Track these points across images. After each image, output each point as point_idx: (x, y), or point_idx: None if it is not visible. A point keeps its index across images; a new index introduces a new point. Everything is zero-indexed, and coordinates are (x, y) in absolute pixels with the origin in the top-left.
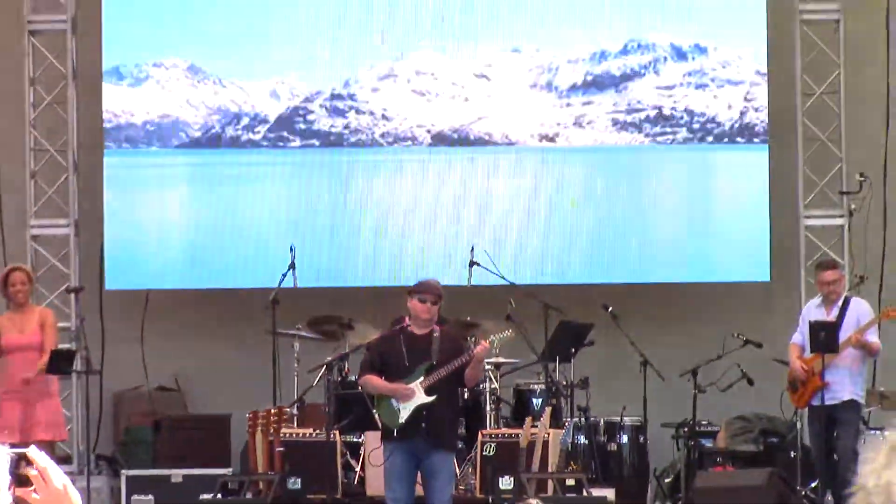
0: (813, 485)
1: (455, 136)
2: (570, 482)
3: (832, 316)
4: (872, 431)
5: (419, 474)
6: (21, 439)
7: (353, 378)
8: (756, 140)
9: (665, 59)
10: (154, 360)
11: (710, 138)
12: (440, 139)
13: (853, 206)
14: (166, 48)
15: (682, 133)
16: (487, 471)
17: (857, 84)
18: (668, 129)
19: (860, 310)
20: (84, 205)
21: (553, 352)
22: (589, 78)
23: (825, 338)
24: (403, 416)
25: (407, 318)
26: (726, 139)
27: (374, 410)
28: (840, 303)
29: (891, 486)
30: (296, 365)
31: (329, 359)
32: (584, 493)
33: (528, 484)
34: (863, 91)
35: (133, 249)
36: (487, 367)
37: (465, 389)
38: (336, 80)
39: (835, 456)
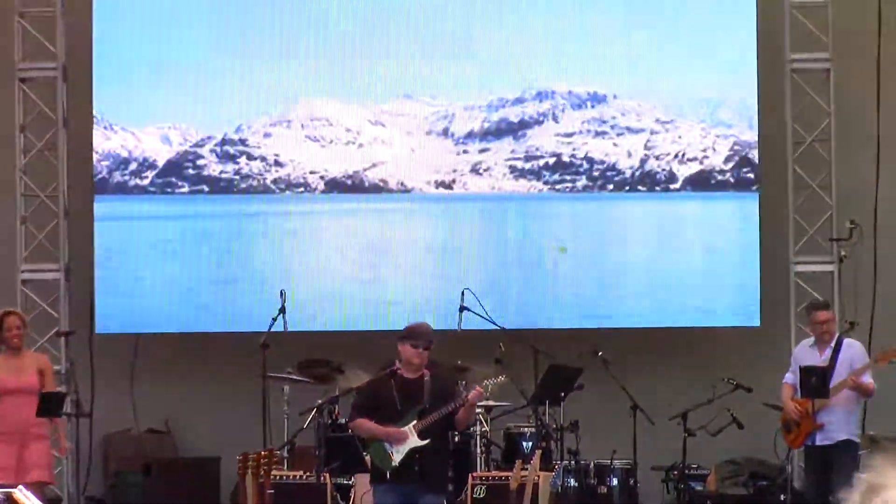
0: None
1: (349, 182)
2: None
3: (825, 357)
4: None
5: None
6: (16, 480)
7: (343, 421)
8: (657, 188)
9: (564, 107)
10: (144, 402)
11: (610, 186)
12: (334, 185)
13: (843, 254)
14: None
15: (582, 181)
16: None
17: (847, 132)
18: (568, 177)
19: (853, 350)
20: (74, 250)
21: (543, 395)
22: (486, 125)
23: (816, 383)
24: (397, 459)
25: (397, 362)
26: (627, 188)
27: (365, 453)
28: (833, 344)
29: None
30: (286, 408)
31: (320, 402)
32: None
33: None
34: (853, 139)
35: (123, 293)
36: (478, 410)
37: (456, 432)
38: (228, 125)
39: (831, 498)
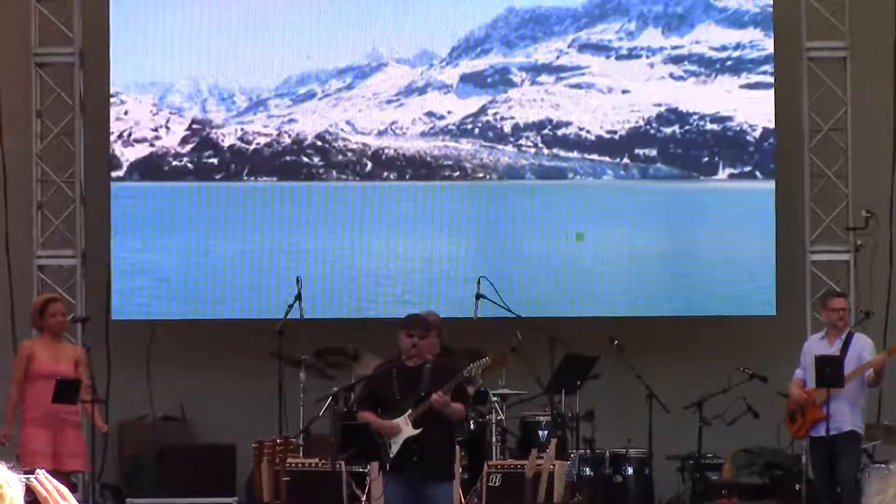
0: None
1: None
2: None
3: (835, 348)
4: (877, 465)
5: None
6: (53, 466)
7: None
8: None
9: None
10: (160, 389)
11: None
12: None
13: (859, 242)
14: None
15: None
16: (493, 502)
17: (863, 121)
18: None
19: (863, 345)
20: (91, 235)
21: (559, 384)
22: None
23: (830, 372)
24: (393, 450)
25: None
26: None
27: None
28: (843, 337)
29: None
30: (301, 395)
31: (335, 389)
32: None
33: None
34: (870, 128)
35: (140, 280)
36: (494, 398)
37: (470, 420)
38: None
39: (837, 488)
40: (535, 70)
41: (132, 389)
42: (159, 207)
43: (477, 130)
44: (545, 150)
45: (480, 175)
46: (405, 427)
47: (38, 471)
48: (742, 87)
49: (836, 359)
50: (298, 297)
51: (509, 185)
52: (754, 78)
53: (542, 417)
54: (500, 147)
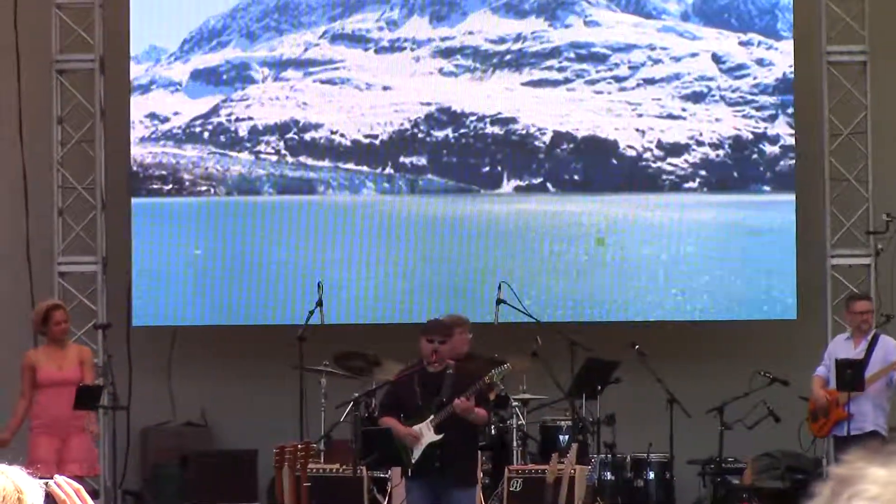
0: None
1: None
2: None
3: (860, 349)
4: None
5: None
6: (55, 473)
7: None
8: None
9: None
10: (181, 395)
11: None
12: None
13: (880, 247)
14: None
15: None
16: None
17: (884, 124)
18: None
19: (888, 346)
20: (111, 242)
21: (580, 388)
22: None
23: (851, 375)
24: (416, 455)
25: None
26: None
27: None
28: (869, 338)
29: None
30: (323, 401)
31: (356, 394)
32: None
33: None
34: (890, 131)
35: (160, 286)
36: (515, 403)
37: (492, 425)
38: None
39: None
40: (280, 65)
41: (154, 396)
42: (180, 214)
43: (206, 134)
44: (289, 158)
45: (203, 188)
46: (427, 433)
47: (55, 475)
48: (525, 84)
49: (856, 362)
50: (320, 303)
51: (241, 201)
52: (539, 74)
53: (563, 422)
54: (233, 154)
